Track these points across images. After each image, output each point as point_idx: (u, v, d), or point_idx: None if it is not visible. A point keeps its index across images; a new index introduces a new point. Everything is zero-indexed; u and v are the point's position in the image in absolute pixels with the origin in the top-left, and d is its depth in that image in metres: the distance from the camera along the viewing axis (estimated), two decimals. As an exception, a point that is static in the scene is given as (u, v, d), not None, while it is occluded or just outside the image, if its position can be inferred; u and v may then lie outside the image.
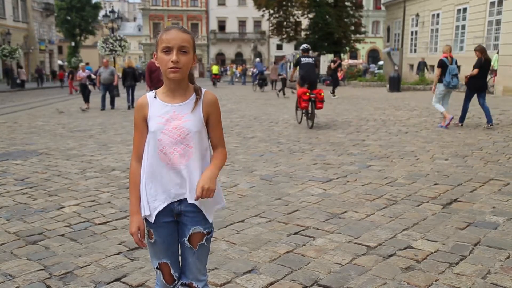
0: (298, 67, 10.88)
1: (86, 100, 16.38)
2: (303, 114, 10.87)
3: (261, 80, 25.87)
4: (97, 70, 17.85)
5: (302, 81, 10.78)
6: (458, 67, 10.09)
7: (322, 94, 10.45)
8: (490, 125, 9.58)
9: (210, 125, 1.99)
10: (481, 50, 9.71)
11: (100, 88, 16.14)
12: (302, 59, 10.93)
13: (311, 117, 10.40)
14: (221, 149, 2.03)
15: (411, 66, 30.76)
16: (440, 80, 9.76)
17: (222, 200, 2.08)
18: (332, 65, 23.72)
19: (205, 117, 1.97)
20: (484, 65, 9.65)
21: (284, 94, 21.46)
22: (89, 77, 17.03)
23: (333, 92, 20.52)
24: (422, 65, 26.44)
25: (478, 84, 9.69)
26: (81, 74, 17.06)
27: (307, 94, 10.25)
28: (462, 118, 10.03)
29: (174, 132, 1.91)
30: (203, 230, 2.00)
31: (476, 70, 9.58)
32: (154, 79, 11.85)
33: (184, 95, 1.96)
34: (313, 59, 11.13)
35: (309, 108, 10.37)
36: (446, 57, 9.76)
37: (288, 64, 32.85)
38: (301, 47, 11.67)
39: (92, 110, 15.74)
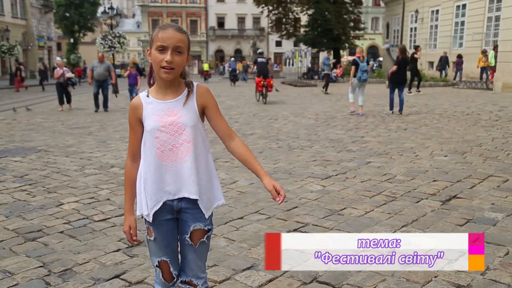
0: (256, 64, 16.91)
1: (63, 101, 14.78)
2: (260, 95, 16.30)
3: (233, 76, 30.02)
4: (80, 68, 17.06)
5: (258, 74, 16.23)
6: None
7: (272, 82, 16.36)
8: (400, 113, 11.59)
9: (209, 116, 1.99)
10: (400, 50, 11.90)
11: (93, 85, 14.38)
12: (258, 59, 16.85)
13: (265, 96, 15.96)
14: (238, 139, 2.04)
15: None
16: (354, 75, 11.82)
17: (221, 197, 2.07)
18: (416, 56, 19.03)
19: (200, 110, 1.96)
20: (401, 63, 11.56)
21: (326, 90, 20.48)
22: (68, 78, 14.84)
23: (417, 87, 19.14)
24: (444, 61, 23.84)
25: (398, 78, 11.59)
26: (58, 71, 14.78)
27: (262, 82, 15.80)
28: (391, 107, 11.83)
29: (171, 129, 1.90)
30: (203, 226, 2.00)
31: (395, 67, 11.59)
32: (154, 78, 11.70)
33: (176, 91, 1.95)
34: (265, 59, 17.44)
35: (263, 91, 15.85)
36: (359, 57, 11.76)
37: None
38: (257, 51, 18.90)
39: (86, 108, 15.18)
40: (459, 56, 24.15)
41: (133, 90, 14.97)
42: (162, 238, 2.00)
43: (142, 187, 1.95)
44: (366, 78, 11.69)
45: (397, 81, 11.61)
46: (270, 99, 16.83)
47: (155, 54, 1.87)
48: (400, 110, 11.64)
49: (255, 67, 16.99)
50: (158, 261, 2.04)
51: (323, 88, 21.03)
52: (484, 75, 21.70)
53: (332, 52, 28.31)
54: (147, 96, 1.96)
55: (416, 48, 18.87)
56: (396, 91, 11.71)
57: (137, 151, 1.97)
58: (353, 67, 11.81)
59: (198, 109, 1.95)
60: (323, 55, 40.67)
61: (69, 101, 15.05)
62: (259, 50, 18.60)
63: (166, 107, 1.92)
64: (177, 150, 1.90)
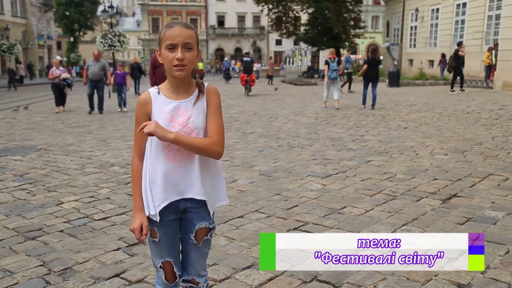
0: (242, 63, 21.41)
1: (60, 102, 13.85)
2: (245, 88, 19.45)
3: (226, 74, 33.18)
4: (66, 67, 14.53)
5: (243, 71, 19.96)
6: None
7: (254, 77, 20.05)
8: (372, 108, 12.91)
9: (208, 112, 1.93)
10: (371, 50, 13.52)
11: (87, 85, 13.34)
12: (244, 58, 20.70)
13: (249, 89, 19.32)
14: (214, 138, 1.88)
15: (411, 61, 30.71)
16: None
17: (225, 197, 2.06)
18: (461, 53, 17.57)
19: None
20: (371, 62, 13.19)
21: (349, 88, 20.20)
22: (64, 79, 13.74)
23: (460, 86, 17.91)
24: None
25: (369, 76, 13.05)
26: (55, 71, 13.63)
27: (245, 77, 19.19)
28: (363, 102, 13.24)
29: (181, 129, 1.88)
30: (208, 225, 2.01)
31: (365, 66, 13.28)
32: (157, 74, 10.57)
33: (187, 91, 1.93)
34: (250, 58, 20.64)
35: (247, 85, 19.19)
36: (330, 58, 13.39)
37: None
38: (244, 51, 23.19)
39: (86, 107, 13.60)
40: (443, 56, 25.27)
41: (122, 90, 13.87)
42: (167, 239, 1.99)
43: (148, 187, 1.93)
44: (335, 76, 13.36)
45: (368, 79, 13.10)
46: (270, 97, 16.88)
47: (166, 53, 1.85)
48: (373, 105, 12.98)
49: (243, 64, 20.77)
50: (162, 262, 2.02)
51: (348, 87, 20.27)
52: (483, 74, 21.58)
53: (351, 51, 27.12)
54: (158, 93, 1.93)
55: (460, 45, 17.98)
56: (370, 87, 12.99)
57: (144, 149, 1.95)
58: (326, 66, 13.43)
59: (207, 109, 1.94)
60: (323, 54, 40.63)
61: (63, 103, 14.05)
62: (245, 51, 22.94)
63: (177, 107, 1.90)
64: (185, 151, 1.89)
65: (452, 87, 17.96)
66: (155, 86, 1.98)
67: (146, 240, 2.01)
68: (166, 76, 1.96)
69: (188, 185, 1.91)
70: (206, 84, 1.98)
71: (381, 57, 40.60)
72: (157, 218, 1.93)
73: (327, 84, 13.51)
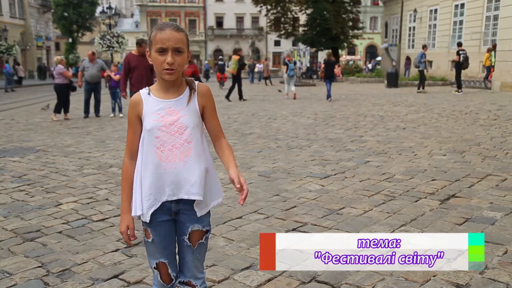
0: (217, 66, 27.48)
1: (65, 110, 12.16)
2: (220, 83, 25.68)
3: (206, 75, 37.51)
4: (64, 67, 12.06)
5: (218, 71, 25.99)
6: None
7: (226, 75, 25.26)
8: (329, 100, 16.00)
9: (205, 115, 1.99)
10: (327, 54, 17.65)
11: (83, 88, 12.29)
12: (219, 62, 27.86)
13: (222, 84, 25.19)
14: (223, 140, 2.04)
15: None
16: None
17: (218, 196, 2.05)
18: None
19: (201, 110, 1.96)
20: (328, 63, 16.84)
21: (423, 88, 19.23)
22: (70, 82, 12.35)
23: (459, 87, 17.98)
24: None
25: (326, 75, 16.62)
26: (62, 69, 12.16)
27: (220, 76, 26.05)
28: (328, 96, 16.14)
29: (172, 129, 1.89)
30: (201, 227, 1.99)
31: (323, 65, 18.40)
32: (133, 77, 7.87)
33: (177, 90, 1.94)
34: (223, 62, 28.02)
35: (221, 81, 25.91)
36: (288, 60, 17.60)
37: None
38: (219, 57, 33.74)
39: (77, 119, 12.59)
40: (408, 58, 29.16)
41: (116, 94, 12.50)
42: (160, 240, 1.98)
43: (138, 187, 1.93)
44: (292, 74, 17.32)
45: (326, 76, 16.50)
46: (269, 98, 16.90)
47: (156, 56, 1.86)
48: (327, 97, 16.09)
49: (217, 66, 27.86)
50: (156, 263, 2.02)
51: (420, 87, 19.21)
52: (483, 74, 21.65)
53: (426, 48, 25.35)
54: (148, 93, 1.95)
55: (460, 45, 17.83)
56: (326, 83, 16.26)
57: (136, 150, 1.96)
58: (285, 67, 17.40)
59: (199, 109, 1.95)
60: (321, 54, 40.59)
61: (66, 109, 12.28)
62: (220, 57, 32.83)
63: (167, 106, 1.91)
64: (177, 151, 1.89)
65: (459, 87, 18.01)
66: (146, 88, 1.99)
67: (133, 242, 2.03)
68: (144, 79, 1.99)
69: (181, 186, 1.91)
70: (196, 82, 2.00)
71: (379, 58, 40.96)
72: (146, 219, 1.93)
73: (286, 80, 17.35)
